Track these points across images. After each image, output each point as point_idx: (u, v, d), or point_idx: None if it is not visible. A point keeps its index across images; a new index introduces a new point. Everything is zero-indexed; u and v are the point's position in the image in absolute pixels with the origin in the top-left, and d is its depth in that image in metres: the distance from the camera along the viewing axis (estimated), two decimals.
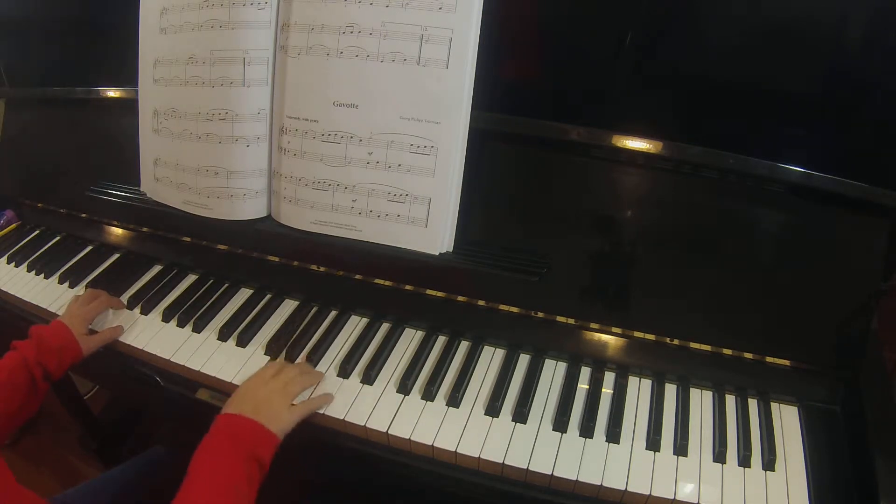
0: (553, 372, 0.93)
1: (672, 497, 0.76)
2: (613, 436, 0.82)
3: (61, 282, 1.15)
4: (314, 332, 1.00)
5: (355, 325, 1.02)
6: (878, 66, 0.78)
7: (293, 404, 0.84)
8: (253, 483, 0.74)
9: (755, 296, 0.86)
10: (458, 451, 0.81)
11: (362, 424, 0.85)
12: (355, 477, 0.94)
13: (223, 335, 0.99)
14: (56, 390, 1.49)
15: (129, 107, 1.09)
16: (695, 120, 0.87)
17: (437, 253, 0.92)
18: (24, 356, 0.89)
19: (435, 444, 0.82)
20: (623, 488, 0.77)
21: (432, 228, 0.91)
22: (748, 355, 0.88)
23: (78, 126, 1.25)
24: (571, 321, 0.93)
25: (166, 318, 1.04)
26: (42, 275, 1.18)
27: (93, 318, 1.01)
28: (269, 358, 0.96)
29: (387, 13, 0.86)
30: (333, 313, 1.04)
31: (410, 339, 0.99)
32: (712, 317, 0.88)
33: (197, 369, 0.94)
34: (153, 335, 1.01)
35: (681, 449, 0.81)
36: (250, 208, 0.99)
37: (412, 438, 0.83)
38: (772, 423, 0.85)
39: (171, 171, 1.03)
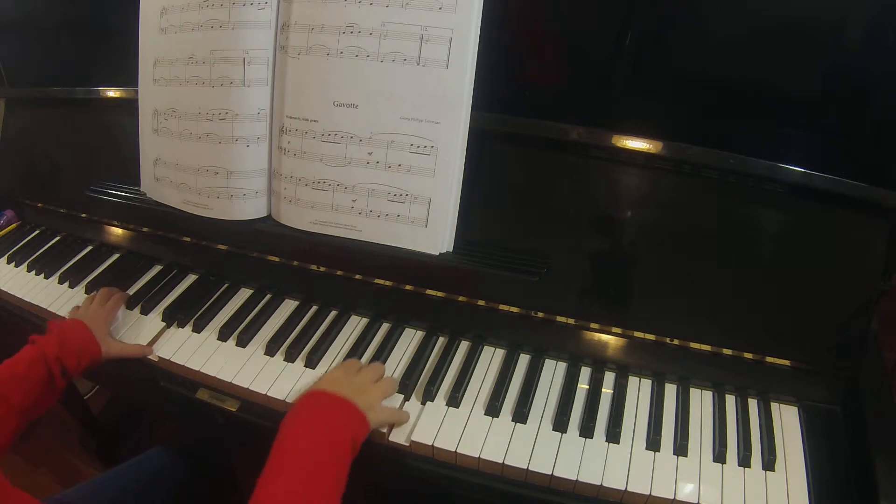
0: (553, 372, 0.93)
1: (672, 497, 0.76)
2: (613, 436, 0.82)
3: (61, 282, 1.15)
4: (314, 332, 1.00)
5: (355, 325, 1.02)
6: (878, 65, 0.78)
7: (384, 404, 0.84)
8: (345, 464, 0.72)
9: (755, 296, 0.86)
10: (457, 451, 0.81)
11: None
12: (354, 476, 0.94)
13: (223, 335, 0.99)
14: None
15: (129, 107, 1.09)
16: (695, 120, 0.87)
17: (437, 253, 0.92)
18: (44, 352, 0.87)
19: (435, 444, 0.82)
20: (623, 488, 0.77)
21: (432, 228, 0.91)
22: (748, 355, 0.88)
23: (78, 126, 1.25)
24: (571, 321, 0.93)
25: (166, 318, 1.04)
26: (42, 275, 1.17)
27: (113, 317, 1.00)
28: (269, 358, 0.96)
29: (387, 13, 0.86)
30: (333, 313, 1.04)
31: (410, 339, 0.99)
32: (712, 317, 0.88)
33: (197, 369, 0.94)
34: (153, 335, 1.01)
35: (681, 449, 0.81)
36: (250, 208, 0.99)
37: (412, 438, 0.83)
38: (772, 423, 0.85)
39: (170, 171, 1.03)
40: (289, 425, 0.73)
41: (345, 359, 0.94)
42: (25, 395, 0.84)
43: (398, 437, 0.83)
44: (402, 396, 0.89)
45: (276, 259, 1.06)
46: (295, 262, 1.04)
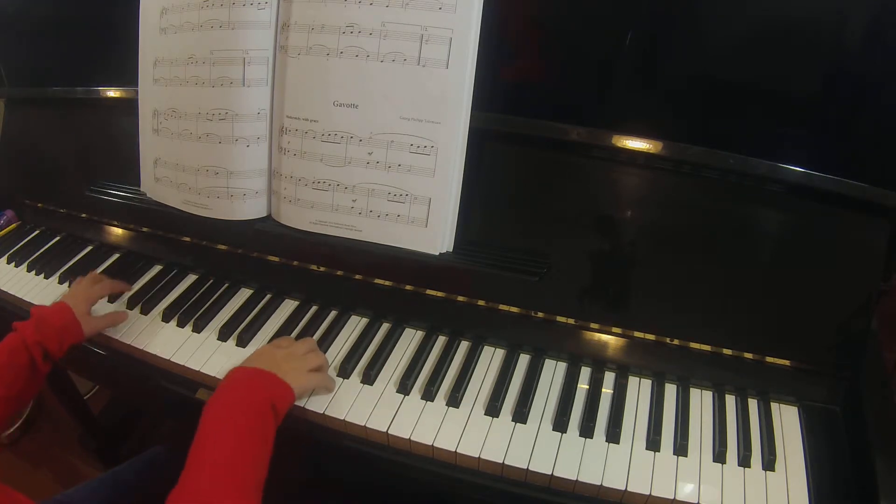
0: (553, 372, 0.93)
1: (672, 497, 0.76)
2: (613, 436, 0.82)
3: (61, 282, 1.15)
4: (314, 332, 1.00)
5: (355, 325, 1.02)
6: (878, 65, 0.78)
7: (308, 372, 0.85)
8: (268, 428, 0.74)
9: (755, 296, 0.87)
10: (458, 451, 0.81)
11: (362, 424, 0.85)
12: (355, 477, 0.94)
13: (223, 335, 0.99)
14: (56, 390, 1.49)
15: (129, 107, 1.09)
16: (695, 120, 0.87)
17: (437, 253, 0.92)
18: (23, 337, 0.88)
19: (435, 444, 0.82)
20: (623, 488, 0.77)
21: (432, 228, 0.91)
22: (748, 355, 0.88)
23: (78, 126, 1.25)
24: (571, 321, 0.93)
25: (166, 318, 1.04)
26: (42, 275, 1.18)
27: (96, 299, 1.01)
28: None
29: (387, 13, 0.86)
30: (333, 313, 1.04)
31: (410, 339, 0.99)
32: (712, 317, 0.88)
33: (197, 369, 0.94)
34: (153, 335, 1.01)
35: (681, 449, 0.81)
36: (250, 208, 0.99)
37: (412, 438, 0.83)
38: (772, 423, 0.85)
39: (170, 171, 1.03)
40: (209, 404, 0.75)
41: (344, 358, 0.94)
42: (9, 385, 0.85)
43: (398, 434, 0.83)
44: (401, 396, 0.89)
45: (276, 259, 1.06)
46: (295, 262, 1.04)
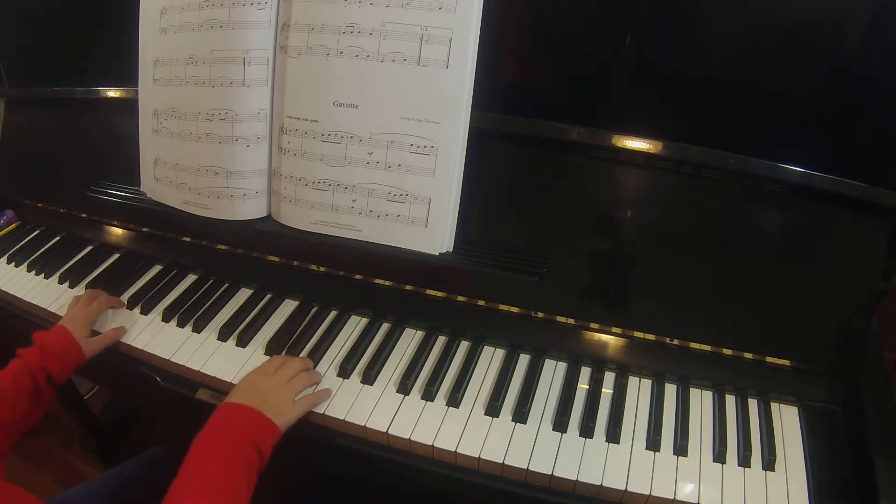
0: (553, 372, 0.93)
1: (672, 497, 0.76)
2: (613, 436, 0.82)
3: (61, 282, 1.15)
4: (314, 332, 1.00)
5: (355, 325, 1.02)
6: (878, 65, 0.78)
7: (296, 399, 0.85)
8: (251, 471, 0.74)
9: (755, 296, 0.86)
10: (458, 451, 0.81)
11: (362, 424, 0.85)
12: (355, 477, 0.94)
13: (223, 335, 0.99)
14: (56, 390, 1.49)
15: (129, 107, 1.09)
16: (695, 120, 0.87)
17: (437, 253, 0.92)
18: (28, 363, 0.89)
19: (435, 444, 0.82)
20: (623, 488, 0.77)
21: (432, 228, 0.91)
22: (748, 355, 0.88)
23: (78, 126, 1.25)
24: (571, 321, 0.93)
25: (166, 318, 1.04)
26: (42, 275, 1.18)
27: (94, 319, 1.01)
28: (268, 358, 0.95)
29: (387, 13, 0.86)
30: (333, 313, 1.04)
31: (410, 339, 0.99)
32: (712, 317, 0.88)
33: (197, 369, 0.94)
34: (153, 335, 1.01)
35: (681, 449, 0.81)
36: (250, 208, 0.99)
37: (412, 438, 0.83)
38: (772, 423, 0.85)
39: (170, 171, 1.03)
40: (196, 442, 0.75)
41: (344, 358, 0.94)
42: (12, 408, 0.86)
43: (398, 434, 0.83)
44: (401, 396, 0.89)
45: (276, 259, 1.06)
46: (295, 262, 1.04)
